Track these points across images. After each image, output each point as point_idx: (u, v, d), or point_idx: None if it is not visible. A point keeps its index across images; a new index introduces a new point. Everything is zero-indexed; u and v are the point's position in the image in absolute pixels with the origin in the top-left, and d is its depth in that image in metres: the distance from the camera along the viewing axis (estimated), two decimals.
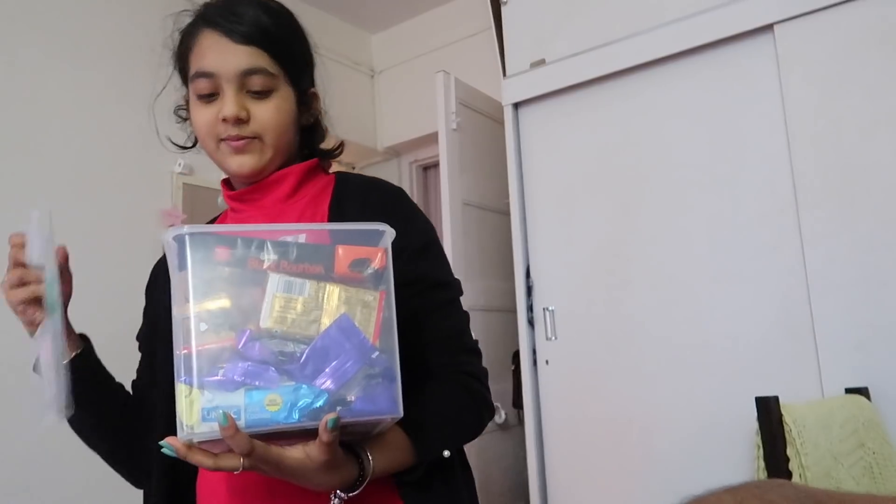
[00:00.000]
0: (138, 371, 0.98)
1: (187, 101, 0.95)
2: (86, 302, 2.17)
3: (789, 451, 1.22)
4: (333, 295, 0.67)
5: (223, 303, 0.64)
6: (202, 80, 0.86)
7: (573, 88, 1.97)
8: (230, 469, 0.64)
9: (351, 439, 0.71)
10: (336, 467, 0.68)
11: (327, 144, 1.01)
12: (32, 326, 0.84)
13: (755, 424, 1.28)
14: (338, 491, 0.73)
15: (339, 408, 0.64)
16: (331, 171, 0.99)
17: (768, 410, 1.24)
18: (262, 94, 0.87)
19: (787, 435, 1.23)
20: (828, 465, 1.23)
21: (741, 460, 1.55)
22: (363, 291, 0.69)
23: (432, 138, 2.76)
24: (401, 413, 0.68)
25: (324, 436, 0.63)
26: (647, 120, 1.84)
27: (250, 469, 0.64)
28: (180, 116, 0.99)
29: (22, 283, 0.81)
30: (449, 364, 0.85)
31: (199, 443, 0.63)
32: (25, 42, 2.06)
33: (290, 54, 0.92)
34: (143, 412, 0.90)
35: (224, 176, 0.97)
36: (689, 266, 1.72)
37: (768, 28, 1.65)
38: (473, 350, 0.91)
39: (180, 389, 0.62)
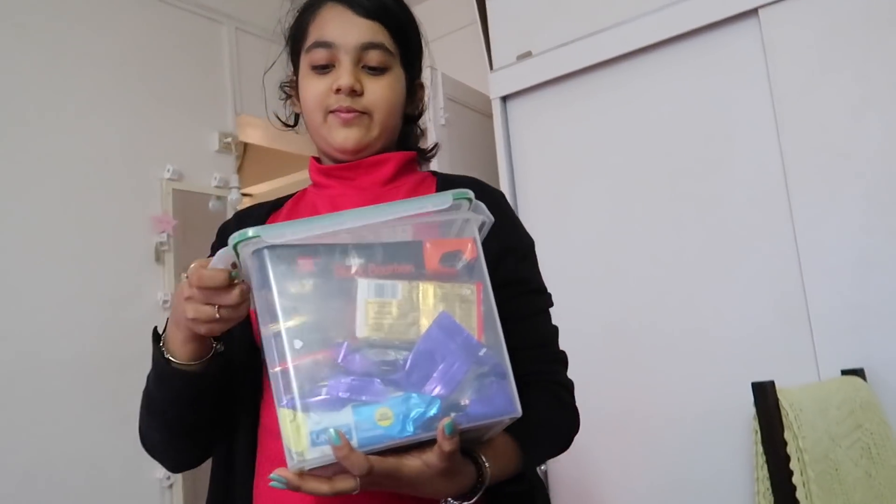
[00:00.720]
0: None
1: (292, 81, 0.94)
2: (76, 308, 2.17)
3: (787, 435, 1.22)
4: (428, 293, 0.62)
5: (312, 316, 0.59)
6: (320, 50, 0.86)
7: (561, 80, 1.97)
8: (348, 491, 0.59)
9: (463, 445, 0.66)
10: (455, 473, 0.65)
11: (422, 145, 1.02)
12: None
13: (752, 410, 1.29)
14: (450, 499, 0.68)
15: (454, 413, 0.59)
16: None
17: (765, 395, 1.25)
18: (378, 71, 0.87)
19: (784, 419, 1.23)
20: (825, 447, 1.24)
21: (740, 446, 1.55)
22: (458, 286, 0.64)
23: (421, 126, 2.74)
24: (520, 412, 0.64)
25: (445, 444, 0.58)
26: (636, 109, 1.84)
27: (367, 487, 0.60)
28: (285, 93, 0.97)
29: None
30: (542, 372, 0.83)
31: (310, 469, 0.58)
32: (11, 46, 2.04)
33: (407, 37, 0.92)
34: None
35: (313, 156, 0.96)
36: (683, 254, 1.72)
37: (753, 13, 1.65)
38: (564, 361, 0.90)
39: (283, 415, 0.57)
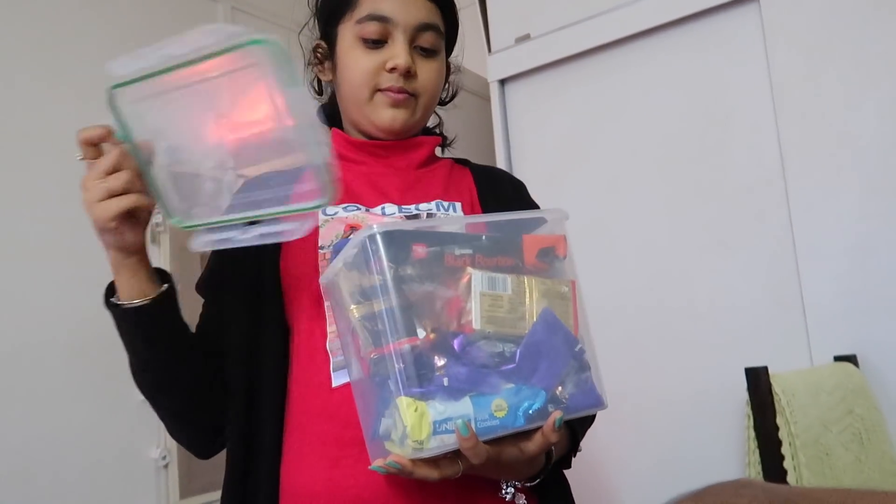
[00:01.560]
0: (204, 318, 0.88)
1: (322, 47, 0.91)
2: (71, 290, 2.16)
3: (779, 420, 1.23)
4: (533, 288, 0.65)
5: (424, 302, 0.60)
6: (374, 24, 0.83)
7: (559, 63, 1.96)
8: (452, 475, 0.62)
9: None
10: (537, 458, 0.68)
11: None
12: (123, 252, 0.72)
13: (745, 395, 1.29)
14: (513, 482, 0.72)
15: (559, 406, 0.63)
16: None
17: (757, 380, 1.26)
18: (429, 53, 0.86)
19: (776, 404, 1.24)
20: (817, 433, 1.25)
21: (732, 431, 1.56)
22: (558, 283, 0.67)
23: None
24: (607, 405, 0.67)
25: (552, 436, 0.62)
26: (634, 93, 1.83)
27: (467, 472, 0.62)
28: (317, 58, 0.93)
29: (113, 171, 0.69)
30: None
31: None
32: (4, 29, 2.02)
33: (454, 20, 0.91)
34: (215, 360, 0.83)
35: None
36: (678, 238, 1.72)
37: None
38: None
39: (404, 402, 0.57)
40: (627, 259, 1.80)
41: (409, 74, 0.83)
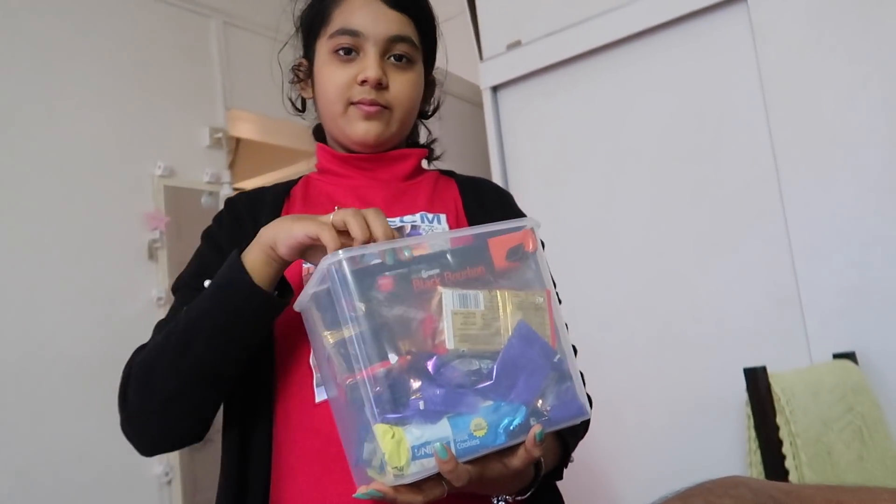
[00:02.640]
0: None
1: (302, 66, 0.92)
2: (71, 307, 2.16)
3: (779, 420, 1.23)
4: (507, 302, 0.64)
5: (396, 326, 0.59)
6: (345, 37, 0.83)
7: (551, 68, 1.96)
8: (438, 497, 0.61)
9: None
10: (524, 472, 0.68)
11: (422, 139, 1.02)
12: None
13: (745, 395, 1.29)
14: (504, 496, 0.71)
15: (540, 419, 0.62)
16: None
17: (756, 381, 1.26)
18: (403, 65, 0.86)
19: (776, 404, 1.24)
20: (818, 431, 1.24)
21: (733, 431, 1.56)
22: (531, 294, 0.66)
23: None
24: (589, 414, 0.67)
25: (535, 451, 0.61)
26: (626, 96, 1.84)
27: (452, 491, 0.62)
28: (296, 76, 0.94)
29: None
30: None
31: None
32: (2, 42, 2.03)
33: (430, 33, 0.91)
34: None
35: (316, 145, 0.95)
36: (674, 240, 1.73)
37: None
38: (574, 349, 0.92)
39: (380, 430, 0.56)
40: (624, 262, 1.81)
41: (380, 86, 0.84)
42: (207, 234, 0.91)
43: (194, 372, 0.72)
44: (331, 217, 0.66)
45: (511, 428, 0.60)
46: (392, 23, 0.84)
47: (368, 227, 0.64)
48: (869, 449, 1.32)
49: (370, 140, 0.86)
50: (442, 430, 0.58)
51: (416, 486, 0.60)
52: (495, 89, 2.08)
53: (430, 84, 0.96)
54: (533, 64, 1.98)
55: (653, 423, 1.72)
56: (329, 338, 0.63)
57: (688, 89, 1.74)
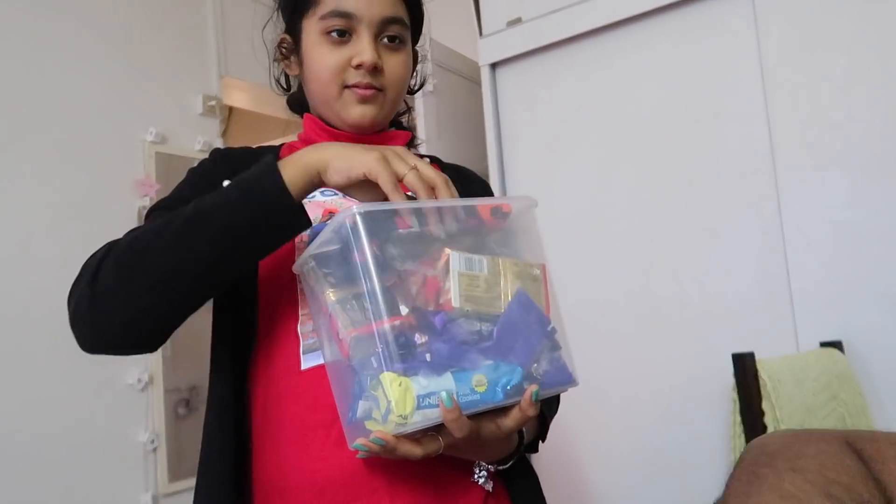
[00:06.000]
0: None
1: (288, 41, 0.90)
2: (57, 273, 2.15)
3: (764, 405, 1.24)
4: (507, 269, 0.67)
5: (403, 281, 0.62)
6: (338, 20, 0.82)
7: (551, 47, 1.94)
8: (434, 452, 0.63)
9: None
10: (510, 437, 0.69)
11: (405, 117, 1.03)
12: None
13: (732, 380, 1.31)
14: (485, 465, 0.73)
15: (532, 382, 0.65)
16: None
17: (744, 366, 1.27)
18: (396, 47, 0.85)
19: (762, 389, 1.25)
20: (801, 418, 1.26)
21: (719, 415, 1.58)
22: (530, 266, 0.69)
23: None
24: (579, 382, 0.70)
25: (530, 410, 0.63)
26: (625, 78, 1.83)
27: (447, 450, 0.64)
28: (282, 53, 0.92)
29: None
30: None
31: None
32: None
33: (418, 10, 0.90)
34: None
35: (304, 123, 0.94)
36: (667, 224, 1.73)
37: None
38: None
39: (387, 378, 0.57)
40: (616, 245, 1.81)
41: (375, 70, 0.83)
42: (200, 170, 0.88)
43: (190, 262, 0.67)
44: (399, 166, 0.66)
45: (508, 387, 0.63)
46: (385, 4, 0.83)
47: (434, 192, 0.66)
48: None
49: (366, 123, 0.86)
50: (446, 382, 0.60)
51: (416, 439, 0.61)
52: (494, 66, 2.07)
53: (415, 59, 0.95)
54: (533, 42, 1.96)
55: (639, 405, 1.74)
56: (331, 295, 0.65)
57: (688, 73, 1.73)
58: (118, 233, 0.80)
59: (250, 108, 2.99)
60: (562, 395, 0.90)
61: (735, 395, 1.31)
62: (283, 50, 0.92)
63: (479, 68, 2.09)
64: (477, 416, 0.63)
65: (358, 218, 0.60)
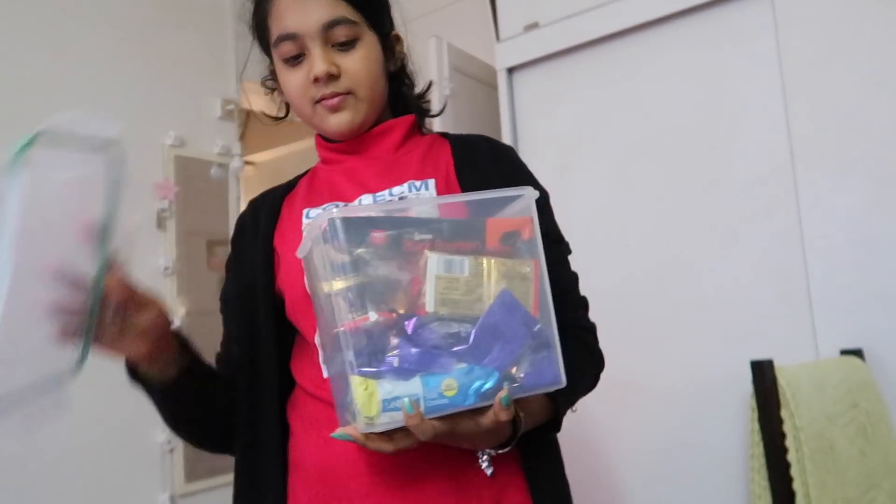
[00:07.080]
0: (224, 337, 0.95)
1: (272, 71, 0.94)
2: None
3: (783, 413, 1.23)
4: (492, 270, 0.67)
5: (381, 284, 0.63)
6: (286, 44, 0.84)
7: (568, 52, 1.94)
8: (407, 448, 0.66)
9: None
10: (498, 430, 0.70)
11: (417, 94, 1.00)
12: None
13: (750, 387, 1.29)
14: (488, 450, 0.75)
15: (511, 385, 0.65)
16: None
17: (763, 374, 1.25)
18: (348, 46, 0.85)
19: (781, 397, 1.24)
20: (821, 426, 1.24)
21: (737, 422, 1.56)
22: (519, 263, 0.68)
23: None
24: (564, 382, 0.69)
25: (502, 415, 0.65)
26: (643, 82, 1.82)
27: (422, 444, 0.66)
28: (268, 87, 0.97)
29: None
30: (567, 319, 0.81)
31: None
32: (10, 10, 2.02)
33: None
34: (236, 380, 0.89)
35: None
36: (686, 229, 1.72)
37: None
38: (585, 305, 0.96)
39: (355, 381, 0.61)
40: (634, 249, 1.80)
41: (332, 78, 0.84)
42: (231, 242, 0.99)
43: (169, 423, 0.89)
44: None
45: (482, 391, 0.64)
46: (320, 9, 0.83)
47: None
48: (871, 445, 1.32)
49: (345, 129, 0.87)
50: (413, 387, 0.62)
51: (388, 435, 0.64)
52: (511, 71, 2.07)
53: (391, 42, 0.93)
54: (550, 46, 1.95)
55: (656, 410, 1.72)
56: (324, 287, 0.67)
57: (706, 78, 1.72)
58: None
59: (269, 111, 3.01)
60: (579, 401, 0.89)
61: (753, 403, 1.30)
62: (269, 82, 0.97)
63: (495, 73, 2.09)
64: (453, 415, 0.65)
65: (337, 222, 0.62)
